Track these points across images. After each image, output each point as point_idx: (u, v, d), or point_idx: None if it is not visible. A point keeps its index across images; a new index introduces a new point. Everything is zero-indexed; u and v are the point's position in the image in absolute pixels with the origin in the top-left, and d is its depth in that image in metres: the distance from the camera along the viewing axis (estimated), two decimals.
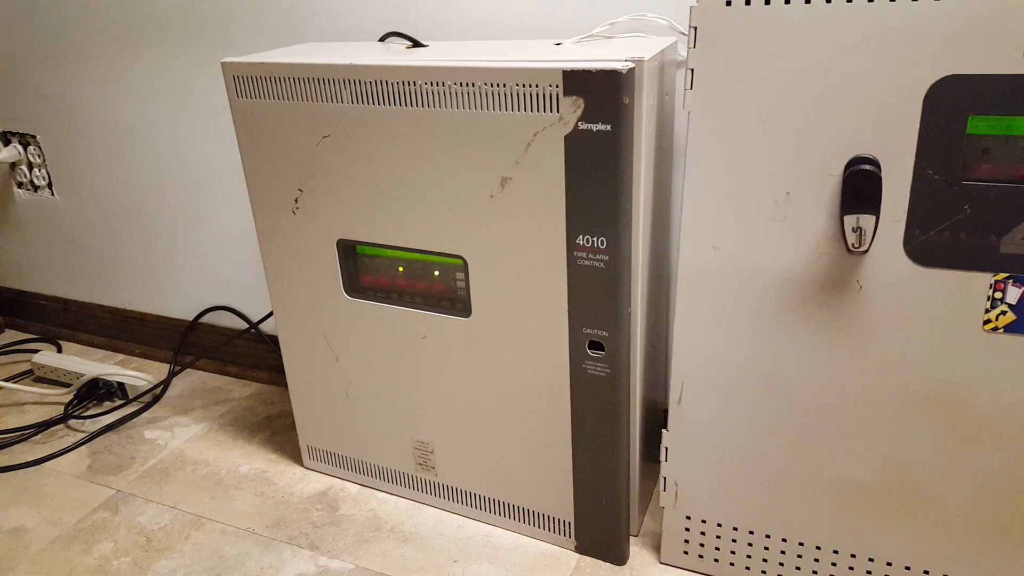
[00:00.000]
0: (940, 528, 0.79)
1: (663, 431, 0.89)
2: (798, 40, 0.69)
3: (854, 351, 0.76)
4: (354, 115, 0.85)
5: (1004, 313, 0.70)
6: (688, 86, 0.75)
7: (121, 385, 1.38)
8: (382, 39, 1.02)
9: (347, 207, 0.92)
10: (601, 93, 0.70)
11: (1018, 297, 0.69)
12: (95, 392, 1.38)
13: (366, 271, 0.96)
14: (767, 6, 0.69)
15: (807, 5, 0.68)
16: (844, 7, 0.67)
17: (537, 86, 0.74)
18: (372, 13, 1.08)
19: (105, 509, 1.10)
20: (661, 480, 0.91)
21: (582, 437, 0.90)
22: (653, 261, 0.88)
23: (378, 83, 0.82)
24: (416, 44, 0.95)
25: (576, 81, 0.71)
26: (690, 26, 0.72)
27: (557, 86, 0.72)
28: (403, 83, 0.81)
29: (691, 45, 0.73)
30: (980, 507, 0.77)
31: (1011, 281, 0.69)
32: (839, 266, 0.75)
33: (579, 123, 0.73)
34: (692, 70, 0.74)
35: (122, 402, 1.38)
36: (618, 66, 0.69)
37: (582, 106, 0.72)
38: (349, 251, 0.96)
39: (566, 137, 0.74)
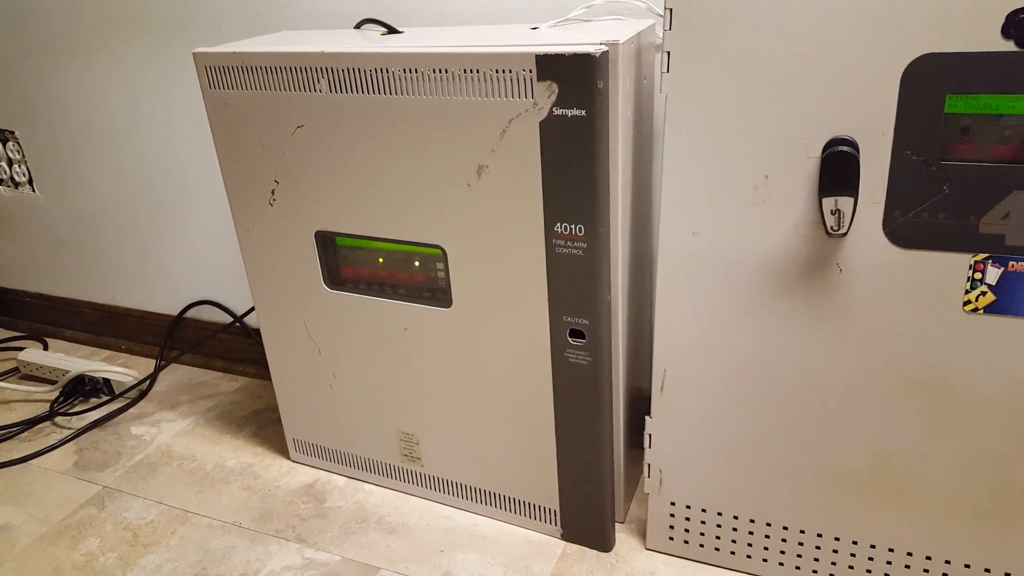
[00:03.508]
0: (925, 511, 0.79)
1: (646, 418, 0.88)
2: (773, 21, 0.68)
3: (835, 335, 0.76)
4: (329, 104, 0.84)
5: (984, 294, 0.69)
6: (664, 69, 0.73)
7: (107, 381, 1.37)
8: (358, 26, 1.00)
9: (325, 198, 0.91)
10: (575, 78, 0.69)
11: (998, 277, 0.69)
12: (81, 389, 1.37)
13: (346, 263, 0.96)
14: None
15: None
16: None
17: (511, 71, 0.73)
18: (346, 1, 1.07)
19: (91, 505, 1.10)
20: (645, 467, 0.90)
21: (565, 425, 0.89)
22: (634, 247, 0.87)
23: (352, 71, 0.81)
24: (391, 31, 0.94)
25: (549, 66, 0.70)
26: (665, 8, 0.71)
27: (531, 71, 0.71)
28: (377, 71, 0.79)
29: (666, 27, 0.72)
30: (963, 489, 0.77)
31: (991, 261, 0.68)
32: (819, 249, 0.74)
33: (554, 108, 0.72)
34: (668, 53, 0.73)
35: (108, 398, 1.37)
36: (591, 50, 0.68)
37: (556, 91, 0.71)
38: (328, 243, 0.95)
39: (541, 123, 0.73)
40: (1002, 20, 0.62)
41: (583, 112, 0.70)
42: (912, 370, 0.74)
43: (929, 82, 0.65)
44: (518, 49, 0.71)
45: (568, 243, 0.78)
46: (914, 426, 0.76)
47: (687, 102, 0.74)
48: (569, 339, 0.84)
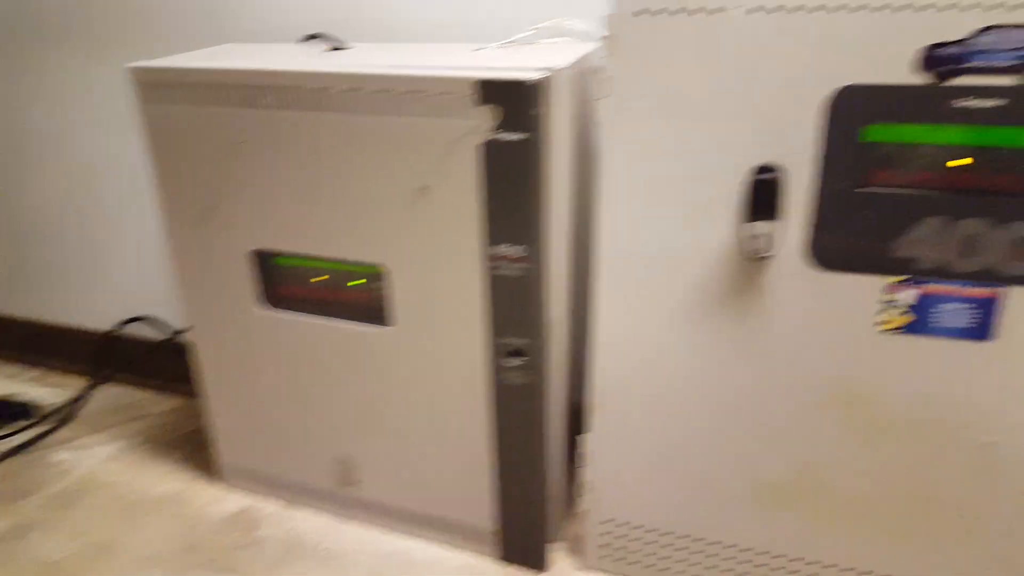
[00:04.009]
0: (850, 523, 0.82)
1: (583, 436, 0.89)
2: (705, 50, 0.71)
3: (762, 352, 0.78)
4: (269, 121, 0.83)
5: (901, 315, 0.73)
6: (603, 94, 0.76)
7: (29, 404, 1.31)
8: (304, 40, 1.00)
9: (264, 216, 0.90)
10: (514, 103, 0.71)
11: (913, 299, 0.72)
12: (3, 411, 1.30)
13: (283, 282, 0.94)
14: (674, 16, 0.71)
15: (711, 15, 0.70)
16: (746, 18, 0.69)
17: (452, 94, 0.74)
18: (296, 13, 1.06)
19: (7, 539, 1.04)
20: (582, 485, 0.91)
21: (503, 446, 0.90)
22: (577, 268, 0.88)
23: (292, 89, 0.81)
24: (338, 47, 0.94)
25: (489, 91, 0.71)
26: (603, 35, 0.73)
27: (471, 95, 0.72)
28: (318, 89, 0.79)
29: (605, 54, 0.74)
30: (882, 501, 0.80)
31: (907, 283, 0.72)
32: (747, 271, 0.76)
33: (493, 132, 0.73)
34: (605, 79, 0.75)
35: (32, 422, 1.31)
36: (530, 76, 0.70)
37: (495, 115, 0.72)
38: (265, 261, 0.94)
39: (481, 146, 0.74)
40: (919, 54, 0.66)
41: (522, 136, 0.72)
42: (834, 387, 0.77)
43: (850, 112, 0.69)
44: (460, 73, 0.72)
45: (508, 264, 0.79)
46: (838, 441, 0.79)
47: (622, 127, 0.76)
48: (508, 359, 0.84)
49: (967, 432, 0.75)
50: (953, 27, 0.64)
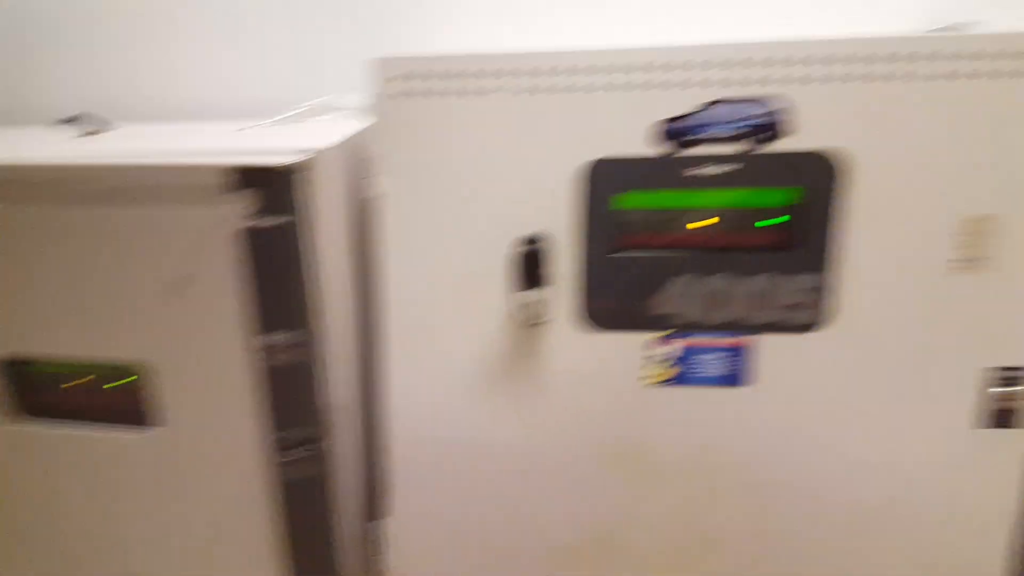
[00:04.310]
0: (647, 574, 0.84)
1: (383, 520, 0.86)
2: (470, 128, 0.73)
3: (546, 415, 0.80)
4: (11, 214, 0.75)
5: (666, 368, 0.77)
6: (375, 172, 0.75)
7: None
8: (62, 123, 0.92)
9: (10, 318, 0.80)
10: (271, 187, 0.68)
11: (674, 353, 0.77)
12: None
13: (36, 389, 0.84)
14: (440, 97, 0.72)
15: (474, 97, 0.72)
16: (506, 99, 0.71)
17: (203, 182, 0.70)
18: (59, 91, 0.98)
19: None
20: (384, 569, 0.87)
21: (295, 543, 0.84)
22: (365, 349, 0.86)
23: (31, 182, 0.73)
24: (93, 131, 0.87)
25: (240, 177, 0.68)
26: (370, 115, 0.73)
27: (224, 182, 0.69)
28: (57, 181, 0.73)
29: (373, 133, 0.74)
30: (675, 551, 0.83)
31: (667, 339, 0.76)
32: (526, 337, 0.78)
33: (251, 218, 0.70)
34: (375, 158, 0.75)
35: None
36: (286, 160, 0.68)
37: (252, 201, 0.69)
38: (14, 368, 0.83)
39: (239, 232, 0.71)
40: (656, 128, 0.71)
41: (282, 221, 0.69)
42: (613, 443, 0.80)
43: (601, 183, 0.73)
44: (211, 160, 0.69)
45: (280, 353, 0.75)
46: (621, 496, 0.81)
47: (398, 203, 0.76)
48: (289, 451, 0.80)
49: (738, 474, 0.80)
50: (684, 102, 0.70)
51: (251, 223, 0.70)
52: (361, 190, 0.86)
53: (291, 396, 0.77)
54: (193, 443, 0.80)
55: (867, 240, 0.71)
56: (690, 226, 0.74)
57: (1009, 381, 0.73)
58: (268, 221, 0.69)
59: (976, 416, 0.74)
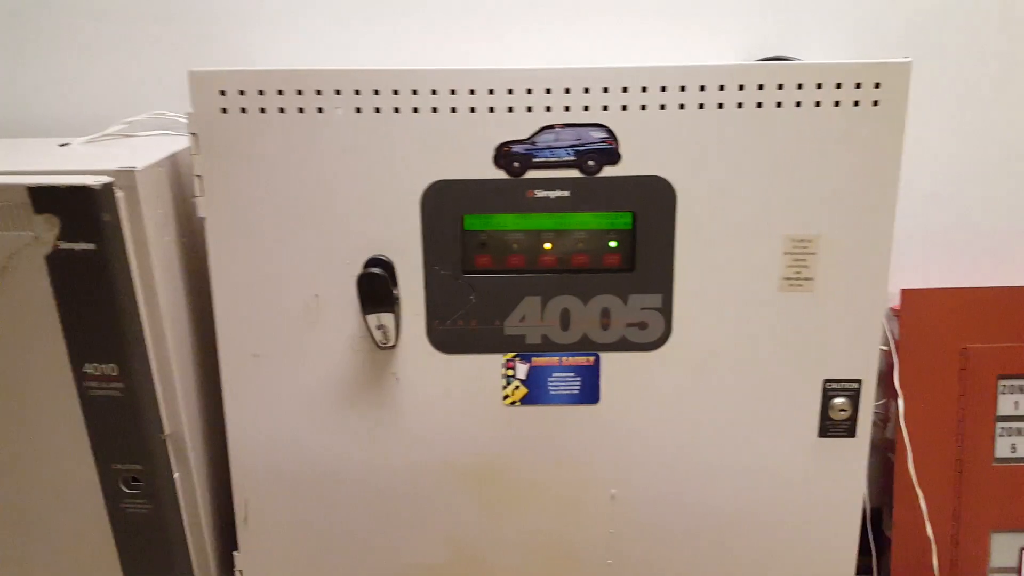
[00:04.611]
0: None
1: (234, 553, 0.82)
2: (300, 147, 0.70)
3: (400, 438, 0.78)
4: None
5: (518, 388, 0.77)
6: (199, 192, 0.71)
7: None
8: None
9: None
10: (77, 211, 0.63)
11: (526, 372, 0.76)
12: None
13: None
14: (263, 115, 0.69)
15: (301, 115, 0.69)
16: (335, 116, 0.69)
17: (9, 202, 0.64)
18: None
19: None
20: None
21: None
22: (203, 378, 0.81)
23: None
24: None
25: (46, 198, 0.63)
26: (189, 132, 0.69)
27: (27, 203, 0.63)
28: None
29: (194, 151, 0.70)
30: (532, 568, 0.83)
31: (518, 359, 0.76)
32: (375, 361, 0.76)
33: (59, 243, 0.64)
34: (200, 176, 0.70)
35: None
36: (90, 182, 0.63)
37: (58, 225, 0.64)
38: None
39: (47, 258, 0.65)
40: (494, 152, 0.70)
41: (92, 246, 0.64)
42: (470, 463, 0.79)
43: (447, 204, 0.72)
44: (9, 180, 0.63)
45: (102, 384, 0.70)
46: (481, 515, 0.81)
47: (226, 225, 0.72)
48: (124, 488, 0.75)
49: (595, 489, 0.80)
50: (519, 127, 0.69)
51: (59, 247, 0.64)
52: (192, 210, 0.81)
53: (117, 430, 0.72)
54: (26, 484, 0.74)
55: (702, 260, 0.73)
56: (538, 247, 0.74)
57: (840, 393, 0.76)
58: (76, 246, 0.64)
59: (818, 426, 0.77)
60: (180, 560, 0.79)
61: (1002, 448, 0.90)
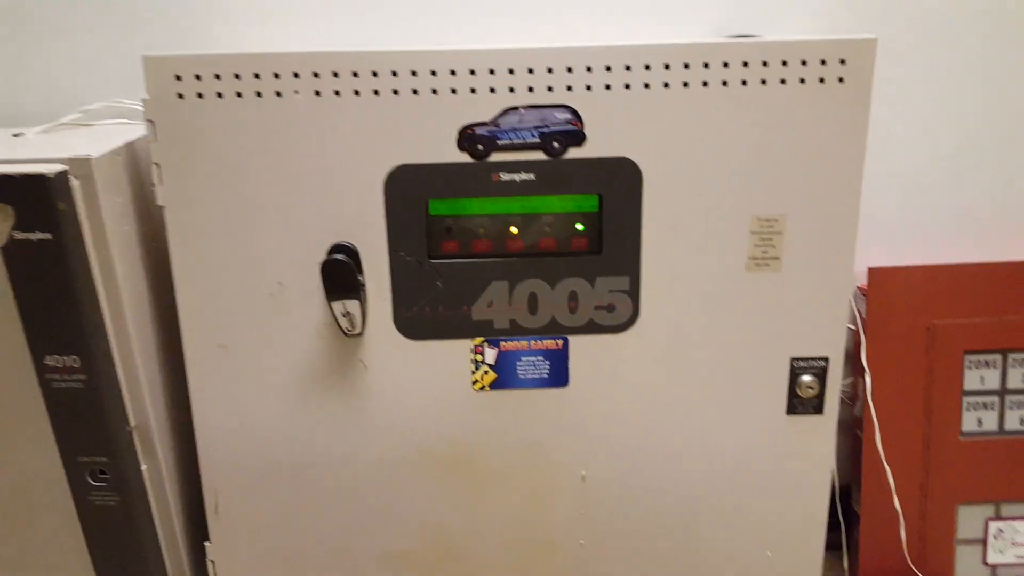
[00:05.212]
0: None
1: (206, 544, 0.81)
2: (259, 132, 0.69)
3: (371, 425, 0.78)
4: None
5: (487, 373, 0.77)
6: (158, 180, 0.70)
7: None
8: None
9: None
10: (31, 200, 0.62)
11: (495, 357, 0.76)
12: None
13: None
14: (220, 99, 0.68)
15: (260, 99, 0.68)
16: (294, 100, 0.68)
17: None
18: None
19: None
20: None
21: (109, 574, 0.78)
22: (169, 369, 0.80)
23: None
24: None
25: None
26: (145, 119, 0.68)
27: None
28: None
29: (152, 139, 0.69)
30: (505, 552, 0.83)
31: (487, 344, 0.76)
32: (342, 349, 0.75)
33: (14, 232, 0.63)
34: (158, 164, 0.69)
35: None
36: (44, 170, 0.61)
37: (13, 214, 0.62)
38: None
39: (2, 248, 0.64)
40: (459, 134, 0.69)
41: (49, 236, 0.63)
42: (441, 450, 0.79)
43: (411, 189, 0.71)
44: None
45: (64, 376, 0.69)
46: (453, 501, 0.81)
47: (186, 213, 0.71)
48: (91, 480, 0.74)
49: (566, 472, 0.80)
50: (482, 109, 0.69)
51: (15, 237, 0.63)
52: (152, 199, 0.80)
53: (80, 422, 0.71)
54: None
55: (669, 241, 0.73)
56: (504, 231, 0.73)
57: (808, 371, 0.77)
58: (34, 236, 0.63)
59: (786, 404, 0.78)
60: (151, 552, 0.79)
61: (968, 422, 0.91)
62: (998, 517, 0.92)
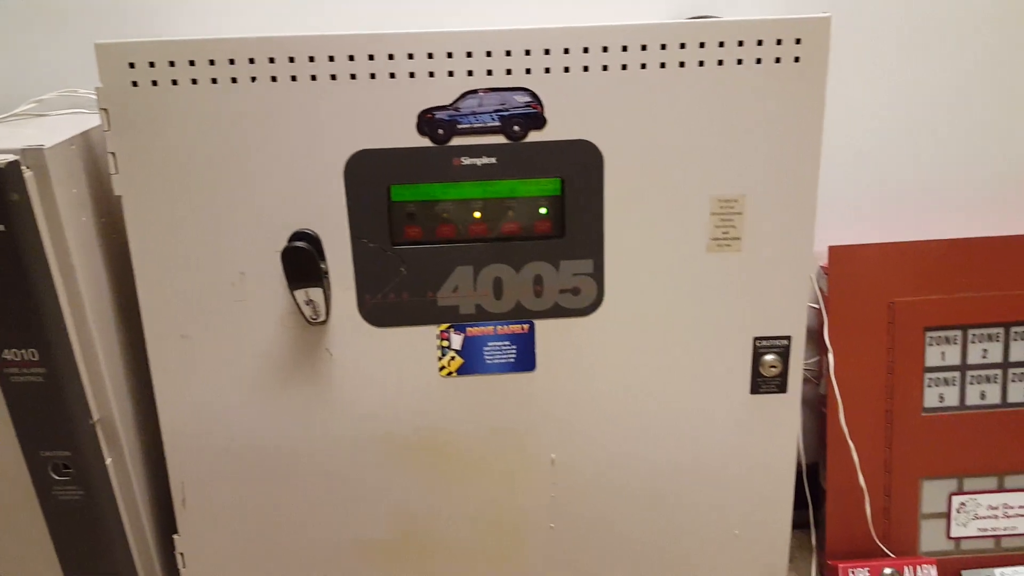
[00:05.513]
0: (453, 566, 0.84)
1: (175, 536, 0.81)
2: (215, 120, 0.68)
3: (338, 414, 0.78)
4: None
5: (453, 359, 0.77)
6: (114, 170, 0.69)
7: None
8: None
9: None
10: None
11: (461, 343, 0.76)
12: None
13: None
14: (175, 87, 0.67)
15: (215, 85, 0.67)
16: (251, 87, 0.67)
17: None
18: None
19: None
20: None
21: (76, 569, 0.77)
22: (132, 361, 0.79)
23: None
24: None
25: None
26: (100, 108, 0.67)
27: None
28: None
29: (106, 128, 0.68)
30: (475, 536, 0.83)
31: (453, 330, 0.76)
32: (307, 337, 0.75)
33: None
34: (113, 153, 0.68)
35: None
36: None
37: None
38: None
39: None
40: (419, 119, 0.69)
41: (2, 228, 0.62)
42: (410, 436, 0.79)
43: (372, 175, 0.71)
44: None
45: (23, 370, 0.68)
46: (424, 487, 0.81)
47: (144, 203, 0.70)
48: (54, 475, 0.73)
49: (534, 456, 0.81)
50: (441, 93, 0.68)
51: None
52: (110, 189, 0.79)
53: (41, 416, 0.70)
54: None
55: (632, 223, 0.73)
56: (469, 216, 0.73)
57: (771, 350, 0.78)
58: None
59: (750, 383, 0.79)
60: (118, 546, 0.78)
61: (930, 398, 0.93)
62: (961, 491, 0.94)
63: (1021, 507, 0.94)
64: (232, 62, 0.66)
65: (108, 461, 0.75)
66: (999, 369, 0.93)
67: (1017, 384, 0.93)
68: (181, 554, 0.82)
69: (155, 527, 0.85)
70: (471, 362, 0.77)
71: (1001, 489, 0.94)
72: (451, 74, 0.68)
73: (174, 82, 0.66)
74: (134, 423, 0.80)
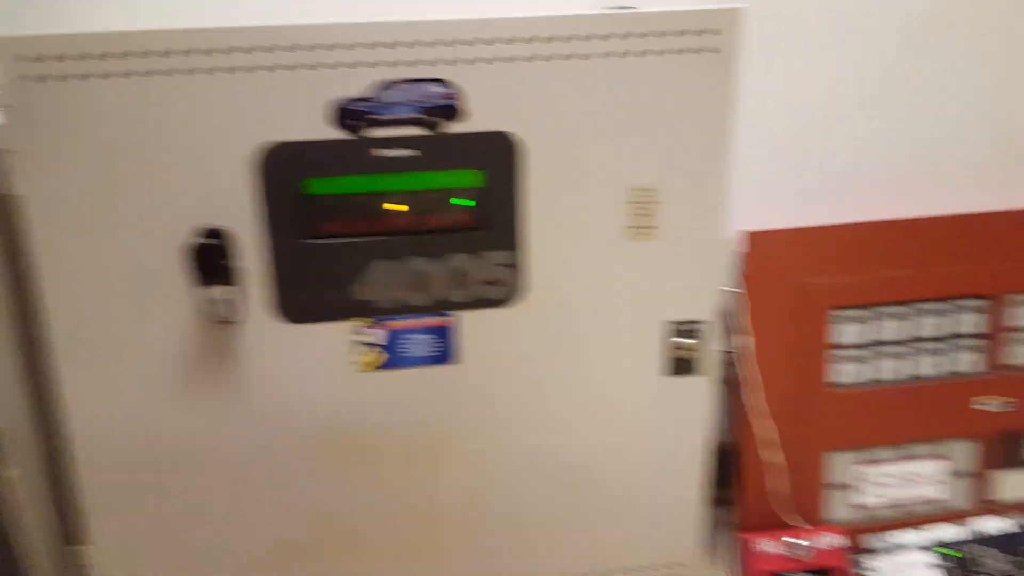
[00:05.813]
0: (376, 562, 0.83)
1: (84, 547, 0.77)
2: (118, 115, 0.65)
3: (254, 414, 0.76)
4: None
5: (376, 353, 0.76)
6: (14, 168, 0.65)
7: None
8: None
9: None
10: None
11: (382, 338, 0.75)
12: None
13: None
14: (82, 81, 0.63)
15: (124, 79, 0.64)
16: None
17: None
18: None
19: None
20: None
21: None
22: (33, 369, 0.75)
23: None
24: None
25: None
26: (1, 105, 0.62)
27: None
28: None
29: (5, 124, 0.63)
30: (399, 530, 0.83)
31: (373, 324, 0.75)
32: (219, 336, 0.72)
33: None
34: (14, 152, 0.64)
35: None
36: None
37: None
38: None
39: None
40: (334, 111, 0.67)
41: None
42: (329, 434, 0.78)
43: (285, 168, 0.68)
44: None
45: None
46: (344, 485, 0.80)
47: (47, 203, 0.67)
48: None
49: (455, 448, 0.81)
50: (358, 84, 0.67)
51: None
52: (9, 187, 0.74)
53: None
54: None
55: (552, 213, 0.73)
56: (386, 207, 0.72)
57: (686, 333, 0.80)
58: None
59: (666, 365, 0.81)
60: (22, 562, 0.74)
61: (836, 375, 0.97)
62: (863, 462, 0.99)
63: (920, 475, 1.00)
64: (145, 55, 0.63)
65: (12, 475, 0.71)
66: (908, 345, 0.98)
67: (926, 358, 0.98)
68: (91, 565, 0.78)
69: (64, 539, 0.81)
70: (393, 357, 0.76)
71: (903, 459, 0.99)
72: (370, 65, 0.66)
73: (78, 76, 0.63)
74: (37, 433, 0.76)
